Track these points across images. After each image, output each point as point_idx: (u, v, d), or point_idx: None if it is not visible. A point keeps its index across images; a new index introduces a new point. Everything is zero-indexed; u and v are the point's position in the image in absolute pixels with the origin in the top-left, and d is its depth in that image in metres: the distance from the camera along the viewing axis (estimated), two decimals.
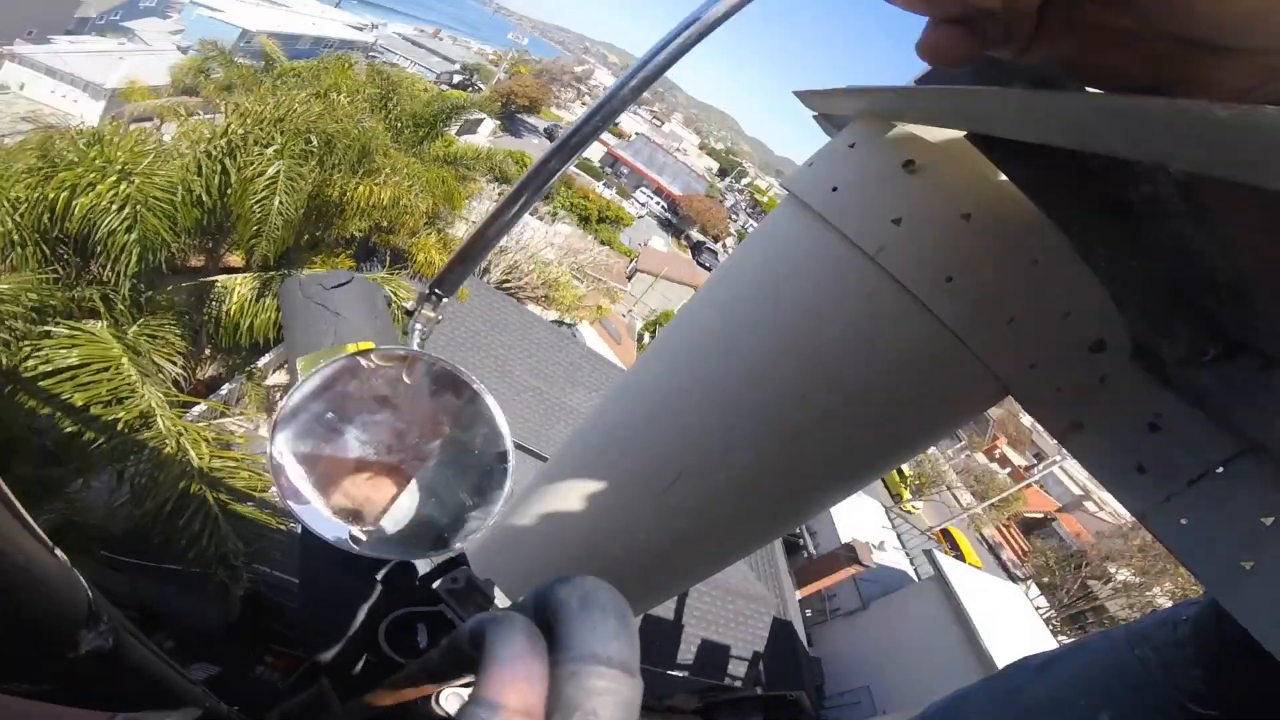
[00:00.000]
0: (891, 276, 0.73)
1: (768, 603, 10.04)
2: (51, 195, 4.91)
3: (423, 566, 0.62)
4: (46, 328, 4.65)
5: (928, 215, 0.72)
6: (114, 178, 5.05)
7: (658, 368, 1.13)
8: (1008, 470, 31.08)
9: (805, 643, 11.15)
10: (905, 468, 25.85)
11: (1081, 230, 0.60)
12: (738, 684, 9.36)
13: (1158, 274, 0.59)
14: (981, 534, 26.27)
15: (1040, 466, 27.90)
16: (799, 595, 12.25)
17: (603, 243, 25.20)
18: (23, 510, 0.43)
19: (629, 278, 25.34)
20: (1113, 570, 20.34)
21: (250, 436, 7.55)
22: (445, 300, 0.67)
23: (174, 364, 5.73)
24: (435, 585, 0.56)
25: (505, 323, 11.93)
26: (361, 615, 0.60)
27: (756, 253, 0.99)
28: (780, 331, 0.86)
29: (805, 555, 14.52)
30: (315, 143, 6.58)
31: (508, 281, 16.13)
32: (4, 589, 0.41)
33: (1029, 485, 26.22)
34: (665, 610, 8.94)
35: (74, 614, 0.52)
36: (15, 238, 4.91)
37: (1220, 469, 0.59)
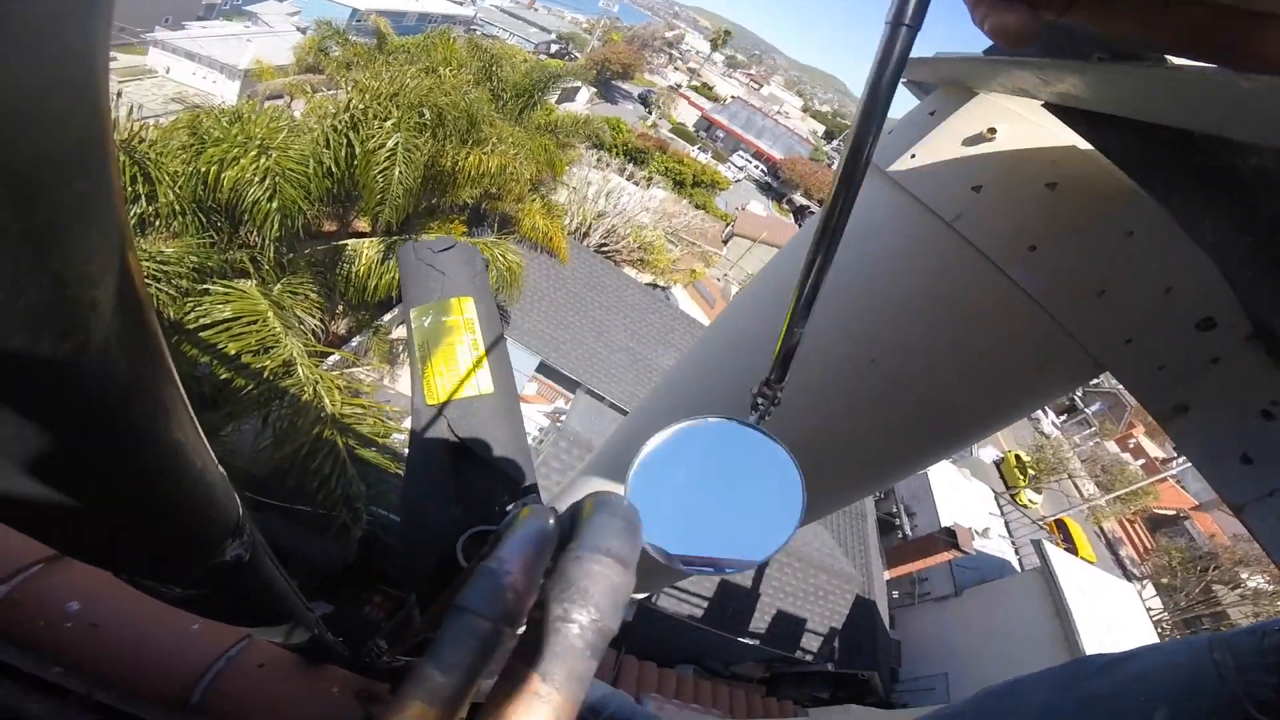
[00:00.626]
0: (969, 243, 0.72)
1: (852, 580, 9.78)
2: (203, 169, 5.37)
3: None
4: (205, 286, 5.23)
5: (1009, 184, 0.70)
6: (254, 152, 5.52)
7: (738, 323, 1.14)
8: (1141, 462, 27.67)
9: (887, 624, 10.82)
10: (1024, 454, 23.67)
11: (1183, 204, 0.56)
12: (809, 658, 9.28)
13: (1272, 248, 0.54)
14: (1101, 527, 23.68)
15: (1180, 460, 24.60)
16: (888, 575, 11.86)
17: (698, 207, 24.87)
18: (198, 424, 0.49)
19: (725, 242, 24.89)
20: (1244, 576, 17.89)
21: (376, 386, 8.31)
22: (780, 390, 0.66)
23: (312, 317, 6.26)
24: (509, 508, 0.65)
25: (602, 284, 12.26)
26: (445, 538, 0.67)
27: None
28: (855, 292, 0.86)
29: (900, 535, 13.91)
30: (428, 116, 6.93)
31: (605, 245, 16.50)
32: (185, 485, 0.46)
33: (1164, 479, 23.12)
34: (743, 578, 8.95)
35: (226, 522, 0.56)
36: (176, 208, 5.37)
37: None
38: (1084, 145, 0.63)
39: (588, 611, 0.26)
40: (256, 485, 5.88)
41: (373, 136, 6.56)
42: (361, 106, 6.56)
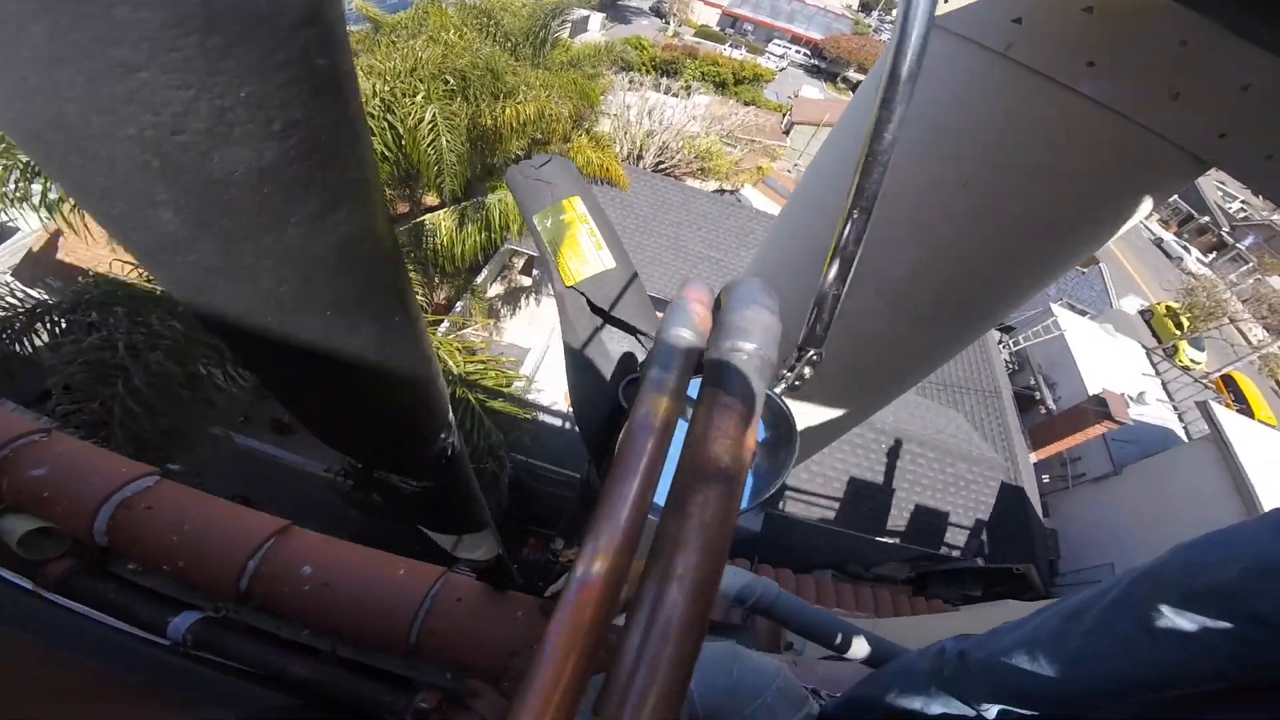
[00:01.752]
0: (1027, 68, 0.77)
1: (995, 465, 9.12)
2: None
3: None
4: None
5: (1046, 11, 0.75)
6: None
7: (814, 191, 1.20)
8: None
9: (1040, 512, 9.89)
10: (1174, 303, 20.82)
11: (1231, 15, 0.60)
12: (956, 554, 8.77)
13: None
14: (1278, 380, 20.60)
15: None
16: (1034, 458, 10.86)
17: (747, 104, 23.89)
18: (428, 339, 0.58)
19: (786, 133, 23.56)
20: None
21: (487, 342, 9.31)
22: (819, 359, 0.68)
23: (418, 294, 6.86)
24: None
25: (669, 202, 12.37)
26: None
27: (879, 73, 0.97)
28: (927, 131, 0.89)
29: (1043, 411, 12.58)
30: (452, 82, 7.10)
31: (662, 163, 16.45)
32: (428, 370, 0.56)
33: None
34: (873, 474, 8.59)
35: (443, 414, 0.66)
36: None
37: None
38: None
39: (750, 342, 0.34)
40: None
41: (409, 114, 6.72)
42: (387, 88, 6.71)
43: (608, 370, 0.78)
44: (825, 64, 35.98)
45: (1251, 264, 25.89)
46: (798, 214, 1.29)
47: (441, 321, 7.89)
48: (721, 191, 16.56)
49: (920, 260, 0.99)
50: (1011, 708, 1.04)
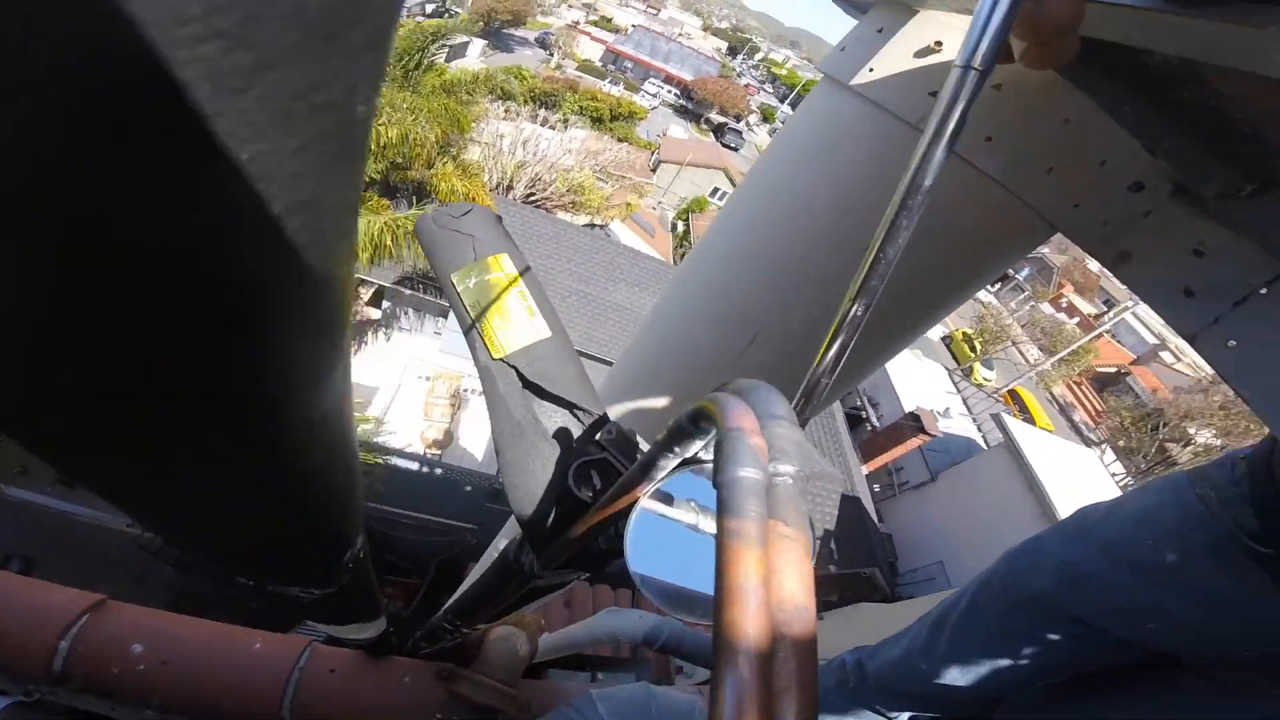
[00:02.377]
0: None
1: (835, 479, 10.11)
2: None
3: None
4: None
5: None
6: None
7: (720, 249, 1.23)
8: (1076, 320, 29.37)
9: (875, 519, 11.13)
10: (968, 329, 24.63)
11: (1107, 94, 0.67)
12: (811, 564, 9.67)
13: (1184, 127, 0.66)
14: (1051, 393, 25.09)
15: (1111, 314, 26.11)
16: (865, 470, 12.20)
17: (620, 140, 24.52)
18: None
19: (653, 170, 24.72)
20: (1192, 431, 18.87)
21: None
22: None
23: None
24: (596, 436, 0.71)
25: (539, 234, 12.10)
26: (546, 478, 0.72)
27: (801, 133, 1.08)
28: (834, 195, 0.96)
29: (869, 428, 14.32)
30: None
31: (532, 194, 16.24)
32: (348, 468, 0.45)
33: (1099, 335, 24.36)
34: None
35: (360, 519, 0.57)
36: None
37: (1264, 289, 0.63)
38: None
39: (790, 464, 0.32)
40: None
41: None
42: None
43: (548, 451, 0.71)
44: (692, 105, 38.08)
45: (1028, 292, 31.46)
46: (707, 272, 1.28)
47: None
48: (592, 225, 16.67)
49: (815, 320, 1.04)
50: (919, 713, 1.12)
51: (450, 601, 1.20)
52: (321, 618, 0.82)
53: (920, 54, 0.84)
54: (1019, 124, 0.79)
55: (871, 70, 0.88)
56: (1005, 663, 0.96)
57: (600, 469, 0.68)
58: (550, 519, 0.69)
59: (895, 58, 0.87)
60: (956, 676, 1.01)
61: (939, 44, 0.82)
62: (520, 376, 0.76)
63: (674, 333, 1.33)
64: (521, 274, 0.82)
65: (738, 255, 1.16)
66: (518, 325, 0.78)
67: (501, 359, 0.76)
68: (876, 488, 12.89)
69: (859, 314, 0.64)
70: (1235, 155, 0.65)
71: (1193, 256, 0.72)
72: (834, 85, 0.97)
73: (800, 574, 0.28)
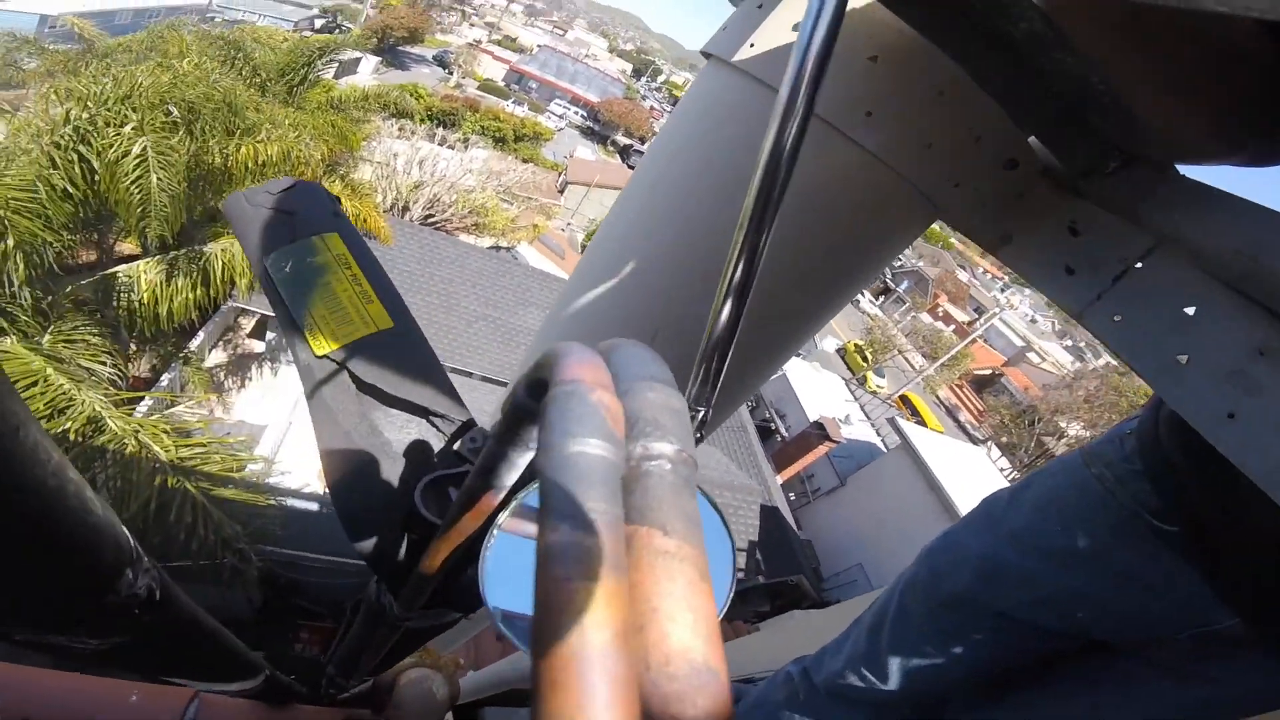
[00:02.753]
0: (817, 115, 0.75)
1: (753, 491, 10.46)
2: None
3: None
4: None
5: (838, 60, 0.72)
6: None
7: (612, 243, 1.17)
8: (952, 327, 32.49)
9: (795, 526, 11.48)
10: (859, 341, 26.52)
11: (975, 63, 0.65)
12: (740, 576, 9.81)
13: (1046, 98, 0.65)
14: (937, 396, 27.44)
15: (982, 320, 29.17)
16: (780, 479, 12.69)
17: (525, 161, 24.42)
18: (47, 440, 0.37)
19: (561, 191, 24.78)
20: (1064, 424, 21.17)
21: (209, 420, 7.75)
22: (709, 417, 0.59)
23: (103, 364, 5.56)
24: (456, 447, 0.61)
25: (440, 257, 11.69)
26: (386, 496, 0.61)
27: (688, 115, 1.05)
28: (722, 179, 0.92)
29: (779, 439, 15.00)
30: (176, 113, 6.16)
31: (431, 216, 15.74)
32: (41, 508, 0.36)
33: (974, 340, 27.15)
34: None
35: (117, 546, 0.47)
36: None
37: (1139, 264, 0.63)
38: (892, 19, 0.72)
39: (669, 443, 0.23)
40: None
41: (111, 146, 5.60)
42: (86, 116, 5.59)
43: (390, 468, 0.60)
44: (599, 126, 38.48)
45: (908, 304, 34.36)
46: (601, 269, 1.21)
47: (141, 399, 6.48)
48: (497, 248, 16.33)
49: (694, 316, 0.90)
50: (873, 719, 1.09)
51: (331, 651, 1.09)
52: (150, 671, 0.71)
53: (798, 27, 0.80)
54: (896, 97, 0.78)
55: (752, 45, 0.86)
56: (941, 662, 0.94)
57: (460, 484, 0.56)
58: (401, 550, 0.59)
59: (775, 31, 0.85)
60: (900, 680, 0.99)
61: None
62: (352, 377, 0.63)
63: (577, 327, 1.23)
64: (355, 257, 0.69)
65: (630, 249, 1.10)
66: (349, 315, 0.64)
67: (326, 355, 0.63)
68: (792, 496, 13.43)
69: (731, 311, 0.57)
70: (1096, 129, 0.66)
71: (1069, 234, 0.72)
72: (717, 64, 0.95)
73: (696, 612, 0.18)
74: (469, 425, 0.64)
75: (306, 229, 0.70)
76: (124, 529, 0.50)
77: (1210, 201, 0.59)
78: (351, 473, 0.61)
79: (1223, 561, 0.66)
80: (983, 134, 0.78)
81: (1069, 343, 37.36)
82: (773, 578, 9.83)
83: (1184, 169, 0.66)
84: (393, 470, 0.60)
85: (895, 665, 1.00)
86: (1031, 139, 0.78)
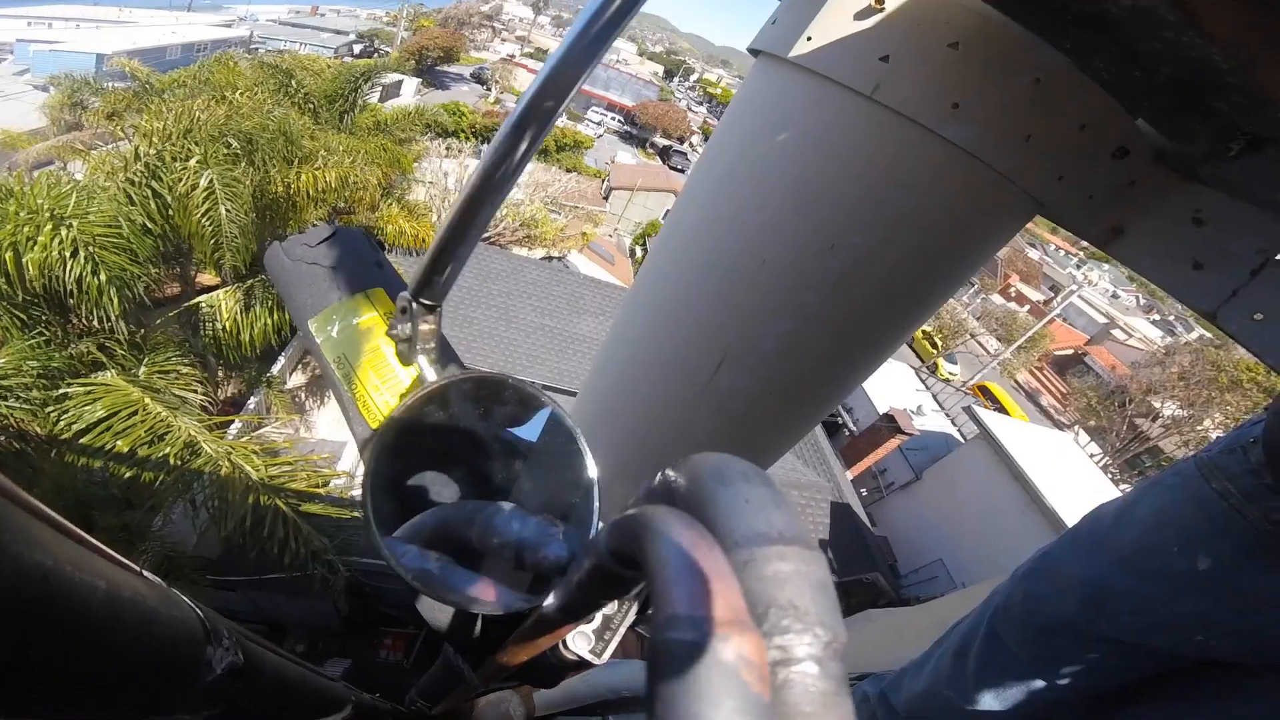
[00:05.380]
0: (895, 111, 0.73)
1: (821, 489, 10.06)
2: None
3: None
4: (61, 390, 4.75)
5: (914, 48, 0.72)
6: (49, 226, 4.86)
7: (670, 262, 1.10)
8: (1027, 308, 30.56)
9: (868, 523, 10.99)
10: (926, 326, 25.23)
11: (1075, 46, 0.60)
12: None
13: (1161, 81, 0.59)
14: (1016, 381, 25.83)
15: (1059, 298, 27.24)
16: (850, 475, 12.14)
17: (569, 170, 24.78)
18: (89, 537, 0.40)
19: (605, 198, 24.86)
20: (1158, 405, 19.41)
21: (294, 440, 8.19)
22: (437, 307, 0.59)
23: (194, 392, 5.85)
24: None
25: (495, 272, 12.00)
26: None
27: (744, 119, 0.97)
28: (791, 186, 0.86)
29: (847, 433, 14.29)
30: (235, 145, 6.43)
31: (485, 233, 15.88)
32: (98, 620, 0.38)
33: (1052, 320, 25.26)
34: None
35: (190, 636, 0.51)
36: None
37: None
38: (972, 2, 0.67)
39: (814, 635, 0.18)
40: (216, 567, 5.86)
41: (180, 180, 5.89)
42: (153, 152, 5.88)
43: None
44: (636, 130, 38.95)
45: (976, 286, 32.64)
46: (659, 290, 1.17)
47: (231, 422, 6.84)
48: (549, 258, 16.64)
49: (790, 332, 0.93)
50: None
51: (419, 683, 1.10)
52: None
53: (861, 15, 0.75)
54: (986, 87, 0.70)
55: (810, 39, 0.79)
56: (1042, 685, 0.91)
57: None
58: (476, 631, 0.61)
59: (834, 22, 0.77)
60: (992, 703, 0.96)
61: (880, 2, 0.73)
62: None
63: (634, 360, 1.18)
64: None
65: (690, 266, 1.02)
66: (400, 382, 0.60)
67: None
68: (864, 491, 12.81)
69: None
70: (1217, 111, 0.59)
71: (1193, 225, 0.66)
72: (770, 62, 0.88)
73: None
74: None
75: (349, 284, 0.66)
76: (200, 612, 0.53)
77: None
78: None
79: None
80: (1088, 121, 0.70)
81: (1156, 317, 34.84)
82: (846, 576, 9.45)
83: None
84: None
85: (986, 689, 0.97)
86: (1141, 121, 0.71)
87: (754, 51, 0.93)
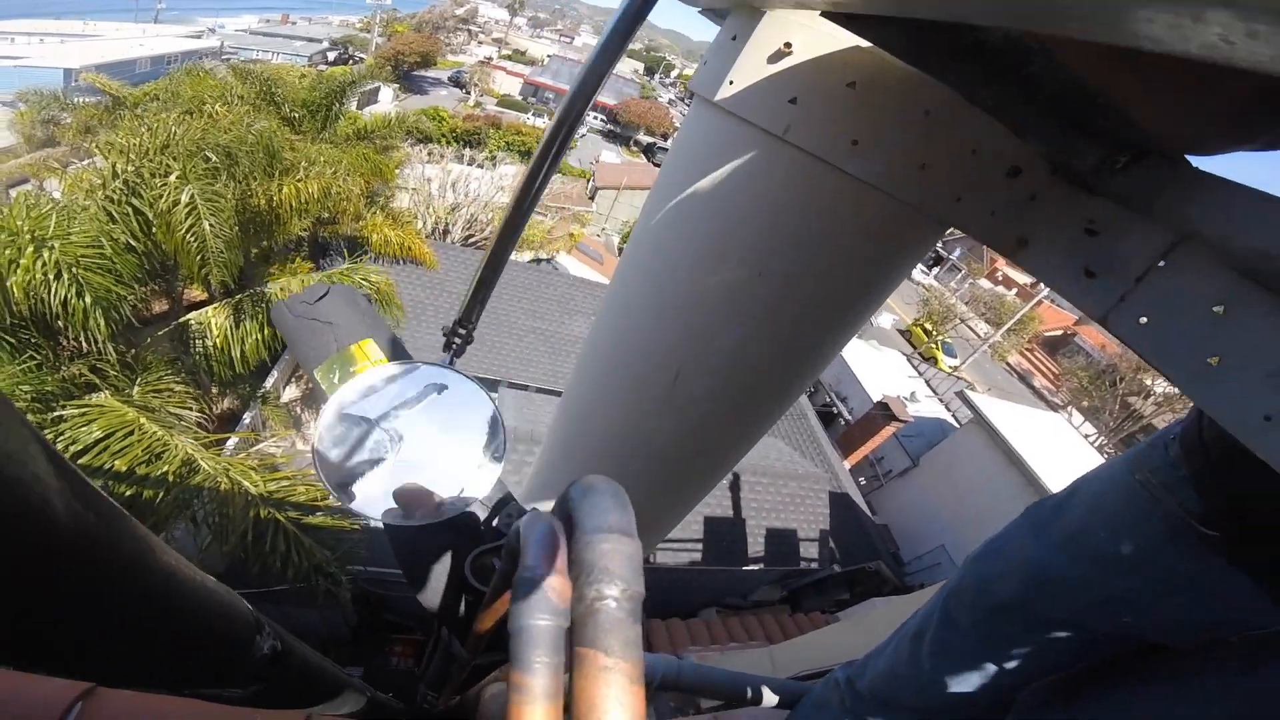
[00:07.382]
0: (804, 150, 0.79)
1: (819, 479, 10.03)
2: None
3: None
4: (57, 413, 4.70)
5: (817, 90, 0.78)
6: (30, 248, 4.78)
7: (628, 287, 1.21)
8: (1014, 291, 30.70)
9: (868, 511, 10.96)
10: (920, 318, 25.24)
11: (960, 78, 0.63)
12: (814, 566, 9.40)
13: (1042, 103, 0.63)
14: (1008, 363, 25.93)
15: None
16: (847, 465, 12.14)
17: None
18: (175, 552, 0.53)
19: (591, 198, 24.87)
20: (1149, 382, 19.45)
21: (291, 454, 8.08)
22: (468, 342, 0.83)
23: (189, 409, 5.81)
24: (494, 523, 0.74)
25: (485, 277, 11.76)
26: (448, 567, 0.74)
27: (681, 158, 1.04)
28: (722, 220, 0.94)
29: (842, 423, 14.30)
30: (214, 159, 6.33)
31: (471, 237, 15.98)
32: (193, 604, 0.55)
33: (1039, 301, 25.39)
34: (723, 510, 8.95)
35: (244, 623, 0.65)
36: None
37: (1162, 262, 0.60)
38: (865, 43, 0.71)
39: (615, 585, 0.30)
40: (221, 580, 5.54)
41: (161, 196, 5.79)
42: (131, 169, 5.75)
43: (450, 539, 0.72)
44: (619, 129, 38.74)
45: (964, 271, 32.81)
46: (621, 311, 1.28)
47: (227, 438, 6.79)
48: (538, 261, 16.52)
49: (734, 348, 1.01)
50: None
51: (422, 671, 1.22)
52: (275, 705, 0.85)
53: (773, 59, 0.80)
54: (881, 123, 0.77)
55: (731, 83, 0.85)
56: (994, 668, 0.94)
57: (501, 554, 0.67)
58: (461, 608, 0.70)
59: (751, 66, 0.83)
60: (948, 684, 0.99)
61: (789, 45, 0.78)
62: None
63: (604, 373, 1.32)
64: (391, 357, 0.82)
65: (643, 292, 1.14)
66: None
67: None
68: (862, 480, 12.85)
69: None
70: (1100, 129, 0.63)
71: (1086, 235, 0.69)
72: (701, 104, 0.94)
73: (626, 705, 0.28)
74: (506, 501, 0.76)
75: (345, 336, 0.81)
76: (245, 604, 0.66)
77: (1228, 195, 0.55)
78: (415, 552, 0.74)
79: (1271, 564, 0.66)
80: (979, 146, 0.76)
81: None
82: (849, 565, 9.48)
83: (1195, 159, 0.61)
84: (446, 539, 0.72)
85: (941, 671, 1.01)
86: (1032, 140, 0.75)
87: (690, 91, 0.99)
